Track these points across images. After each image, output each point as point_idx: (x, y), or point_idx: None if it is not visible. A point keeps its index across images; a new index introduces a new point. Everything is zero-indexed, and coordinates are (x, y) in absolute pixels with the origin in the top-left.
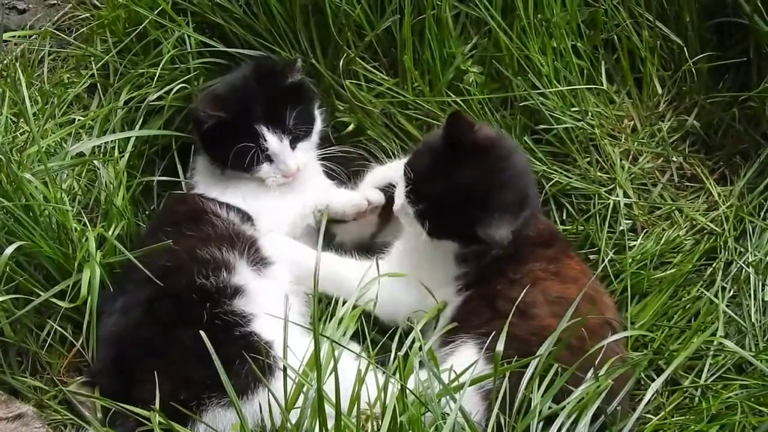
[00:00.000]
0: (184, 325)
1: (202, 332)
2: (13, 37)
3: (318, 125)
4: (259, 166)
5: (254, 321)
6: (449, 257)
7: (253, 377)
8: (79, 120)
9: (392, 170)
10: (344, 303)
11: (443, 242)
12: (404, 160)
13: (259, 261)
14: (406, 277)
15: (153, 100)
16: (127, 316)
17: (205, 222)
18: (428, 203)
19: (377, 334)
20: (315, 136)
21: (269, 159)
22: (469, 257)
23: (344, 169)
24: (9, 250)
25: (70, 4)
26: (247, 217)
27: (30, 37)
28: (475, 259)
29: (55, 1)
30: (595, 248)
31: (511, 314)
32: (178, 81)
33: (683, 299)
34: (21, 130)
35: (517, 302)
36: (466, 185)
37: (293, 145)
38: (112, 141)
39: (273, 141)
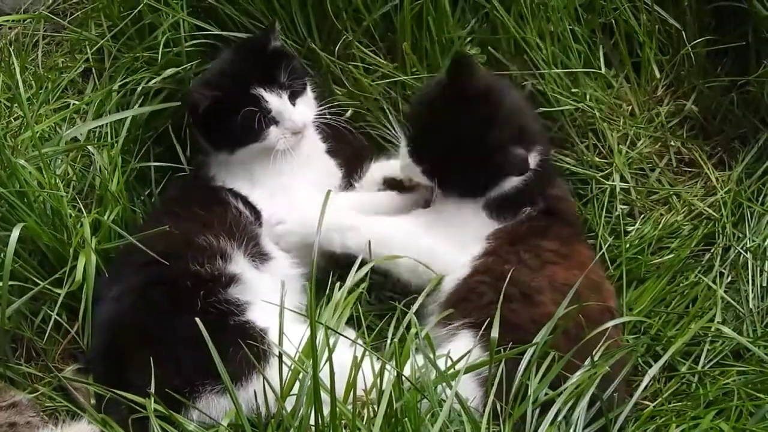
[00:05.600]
0: (177, 312)
1: (197, 320)
2: (7, 21)
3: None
4: (267, 131)
5: (249, 310)
6: (482, 213)
7: (248, 364)
8: (73, 104)
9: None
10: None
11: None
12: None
13: (257, 255)
14: (436, 229)
15: (148, 84)
16: (121, 302)
17: (211, 209)
18: (434, 158)
19: (374, 318)
20: (311, 93)
21: (274, 121)
22: (504, 210)
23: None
24: (14, 234)
25: None
26: (255, 212)
27: (24, 21)
28: (511, 214)
29: None
30: (593, 233)
31: (511, 299)
32: (173, 66)
33: (681, 285)
34: (15, 115)
35: (522, 287)
36: (470, 133)
37: (292, 101)
38: (106, 126)
39: (273, 99)
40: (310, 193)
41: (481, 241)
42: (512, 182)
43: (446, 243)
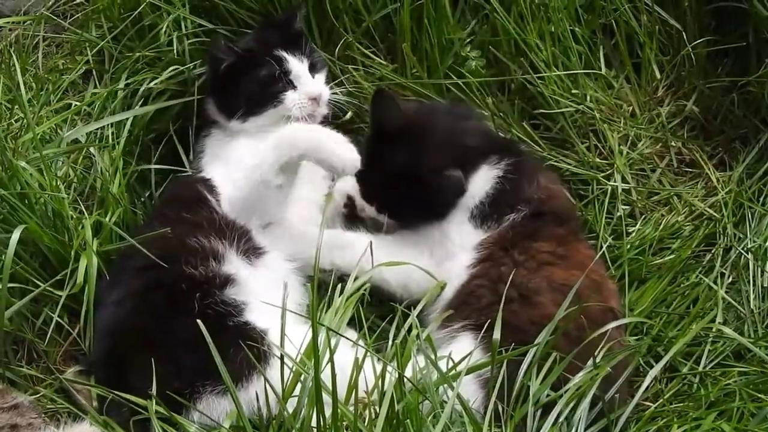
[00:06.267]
0: (175, 315)
1: (199, 322)
2: (8, 22)
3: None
4: (284, 94)
5: (247, 310)
6: (468, 226)
7: (248, 365)
8: (74, 105)
9: None
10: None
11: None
12: None
13: (250, 251)
14: (420, 245)
15: (149, 85)
16: (121, 306)
17: (200, 209)
18: (378, 196)
19: (376, 319)
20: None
21: (292, 85)
22: (487, 218)
23: None
24: (15, 236)
25: None
26: None
27: (25, 22)
28: (495, 222)
29: None
30: (594, 234)
31: (511, 301)
32: (175, 65)
33: (682, 285)
34: (15, 117)
35: (520, 288)
36: (400, 171)
37: (312, 73)
38: (107, 128)
39: (294, 62)
40: (302, 193)
41: (470, 251)
42: (481, 191)
43: (434, 257)
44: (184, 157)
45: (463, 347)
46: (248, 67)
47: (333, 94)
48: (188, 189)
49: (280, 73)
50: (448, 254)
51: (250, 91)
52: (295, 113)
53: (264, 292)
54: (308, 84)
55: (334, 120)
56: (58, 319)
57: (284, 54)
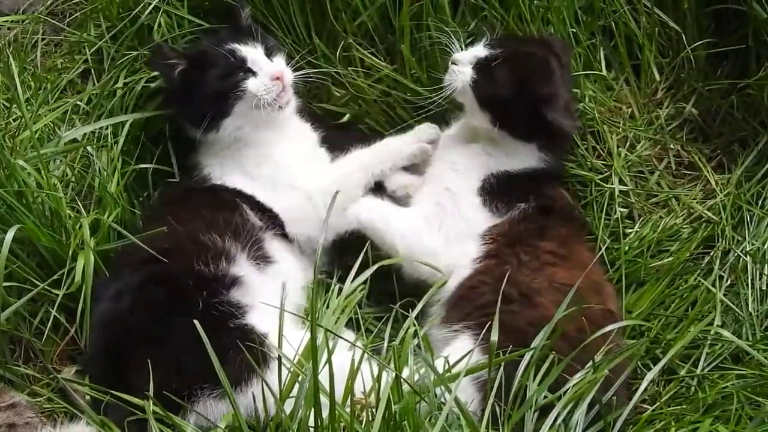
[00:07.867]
0: (178, 312)
1: (196, 322)
2: (6, 21)
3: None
4: (245, 83)
5: (250, 313)
6: (476, 200)
7: (247, 368)
8: (72, 105)
9: None
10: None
11: (470, 177)
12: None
13: (260, 258)
14: (431, 219)
15: (147, 85)
16: (120, 301)
17: (218, 211)
18: (495, 93)
19: (374, 321)
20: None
21: (252, 72)
22: (496, 198)
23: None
24: (9, 235)
25: None
26: (259, 208)
27: (23, 21)
28: (504, 206)
29: None
30: (592, 236)
31: (511, 301)
32: None
33: (680, 288)
34: (14, 116)
35: (521, 288)
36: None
37: (268, 58)
38: (106, 127)
39: (248, 50)
40: (306, 170)
41: (477, 238)
42: (523, 162)
43: (442, 233)
44: (173, 158)
45: (461, 348)
46: (203, 69)
47: (297, 75)
48: (204, 192)
49: (236, 63)
50: (457, 234)
51: (211, 90)
52: (264, 96)
53: (266, 297)
54: (267, 66)
55: (333, 121)
56: (57, 316)
57: (236, 45)
